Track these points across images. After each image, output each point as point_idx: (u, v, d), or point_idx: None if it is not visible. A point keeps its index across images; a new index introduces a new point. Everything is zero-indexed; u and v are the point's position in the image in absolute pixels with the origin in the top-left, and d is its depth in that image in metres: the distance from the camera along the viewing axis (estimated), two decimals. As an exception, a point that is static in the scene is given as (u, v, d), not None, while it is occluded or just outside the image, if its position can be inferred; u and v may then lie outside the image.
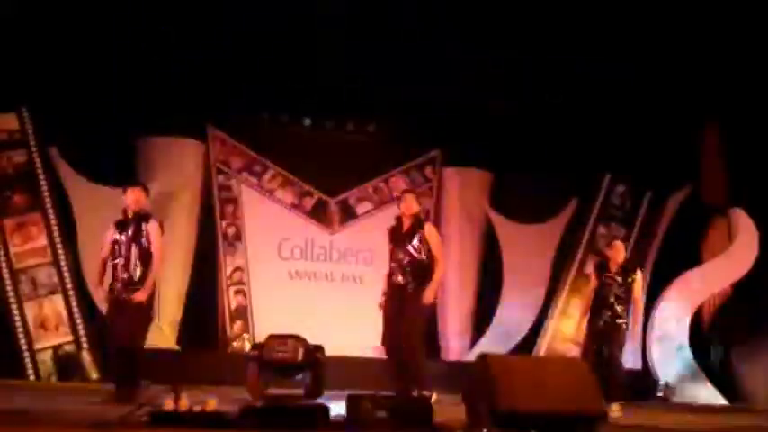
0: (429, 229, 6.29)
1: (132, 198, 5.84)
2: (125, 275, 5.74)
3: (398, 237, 6.24)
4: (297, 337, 5.49)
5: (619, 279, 6.62)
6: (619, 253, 6.74)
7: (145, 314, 5.83)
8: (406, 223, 6.24)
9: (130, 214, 5.82)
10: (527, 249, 9.59)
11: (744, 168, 9.18)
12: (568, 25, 8.49)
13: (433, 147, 9.74)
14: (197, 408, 4.50)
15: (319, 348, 5.31)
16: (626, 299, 6.61)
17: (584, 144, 9.30)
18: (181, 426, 4.21)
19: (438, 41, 8.64)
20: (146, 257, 5.76)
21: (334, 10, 8.25)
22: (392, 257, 6.28)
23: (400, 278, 6.18)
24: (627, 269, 6.69)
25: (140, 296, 5.69)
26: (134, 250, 5.75)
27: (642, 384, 8.77)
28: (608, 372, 6.27)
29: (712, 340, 9.41)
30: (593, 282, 6.80)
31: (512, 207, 9.72)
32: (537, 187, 9.45)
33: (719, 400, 8.76)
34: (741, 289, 9.04)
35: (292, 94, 9.17)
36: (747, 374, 8.68)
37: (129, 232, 5.77)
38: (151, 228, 5.83)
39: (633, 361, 8.71)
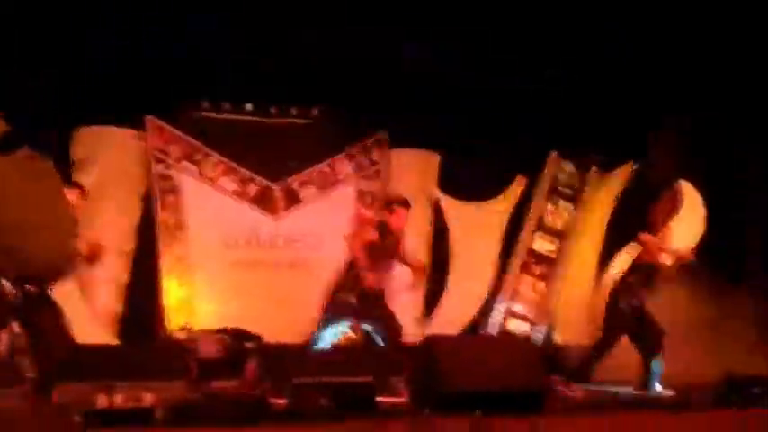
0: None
1: None
2: None
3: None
4: (240, 329, 5.38)
5: None
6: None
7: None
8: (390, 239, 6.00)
9: None
10: (476, 229, 9.56)
11: (692, 142, 9.22)
12: (514, 3, 8.43)
13: (379, 129, 9.60)
14: (132, 404, 4.35)
15: (259, 338, 5.17)
16: None
17: (531, 121, 9.25)
18: (115, 424, 4.05)
19: (380, 24, 8.50)
20: None
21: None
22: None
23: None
24: None
25: None
26: None
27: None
28: None
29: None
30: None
31: (459, 187, 9.66)
32: (484, 166, 9.40)
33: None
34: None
35: (233, 80, 8.97)
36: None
37: None
38: None
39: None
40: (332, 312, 6.12)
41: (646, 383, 6.15)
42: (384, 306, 5.92)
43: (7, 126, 1.38)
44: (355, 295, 6.23)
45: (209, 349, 4.95)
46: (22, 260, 1.21)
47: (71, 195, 5.51)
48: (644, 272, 6.34)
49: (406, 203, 6.32)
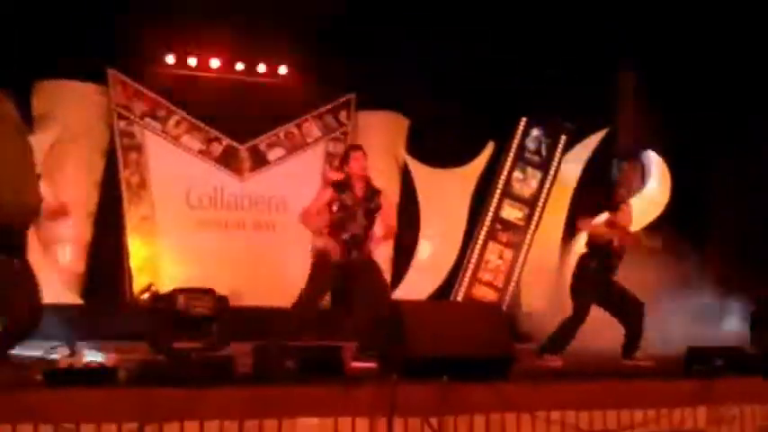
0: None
1: None
2: None
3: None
4: (206, 290, 5.28)
5: None
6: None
7: None
8: (358, 186, 5.79)
9: None
10: (444, 194, 9.53)
11: (658, 110, 9.25)
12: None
13: (348, 90, 9.49)
14: (94, 364, 4.26)
15: (224, 299, 5.10)
16: None
17: (501, 86, 9.20)
18: (76, 383, 3.97)
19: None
20: None
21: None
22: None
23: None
24: None
25: None
26: None
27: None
28: None
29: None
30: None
31: (428, 151, 9.60)
32: (453, 131, 9.34)
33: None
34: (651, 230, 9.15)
35: (199, 35, 8.77)
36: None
37: None
38: None
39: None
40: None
41: (628, 352, 6.20)
42: (370, 272, 5.75)
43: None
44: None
45: (194, 307, 4.83)
46: None
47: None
48: (601, 256, 6.35)
49: (358, 147, 6.16)
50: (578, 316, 6.23)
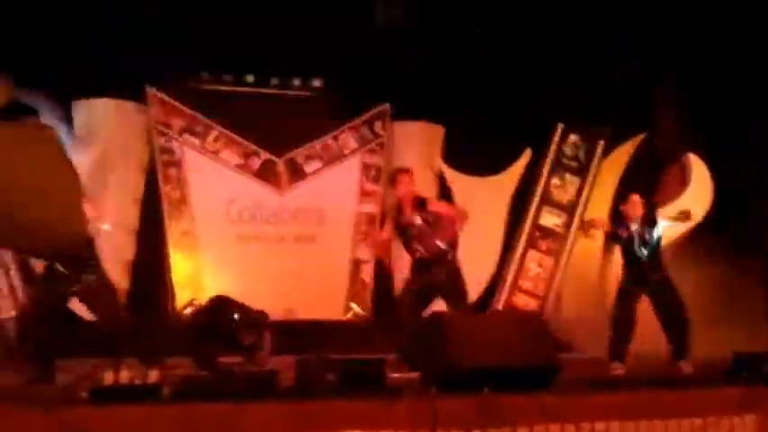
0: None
1: None
2: None
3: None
4: (247, 305, 5.32)
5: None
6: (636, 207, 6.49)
7: None
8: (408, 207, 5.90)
9: None
10: (481, 203, 9.43)
11: (698, 114, 9.11)
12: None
13: (383, 101, 9.50)
14: (138, 381, 4.32)
15: (264, 313, 5.13)
16: None
17: (537, 93, 9.14)
18: (121, 400, 4.03)
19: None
20: None
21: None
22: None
23: None
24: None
25: None
26: None
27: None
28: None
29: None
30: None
31: (464, 160, 9.56)
32: (489, 139, 9.28)
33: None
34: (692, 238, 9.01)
35: (234, 51, 8.87)
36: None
37: None
38: None
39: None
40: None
41: (676, 356, 6.12)
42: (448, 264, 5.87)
43: (13, 95, 1.32)
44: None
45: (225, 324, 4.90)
46: (28, 230, 1.16)
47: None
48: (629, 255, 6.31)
49: (404, 170, 6.24)
50: (623, 321, 6.18)
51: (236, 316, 4.82)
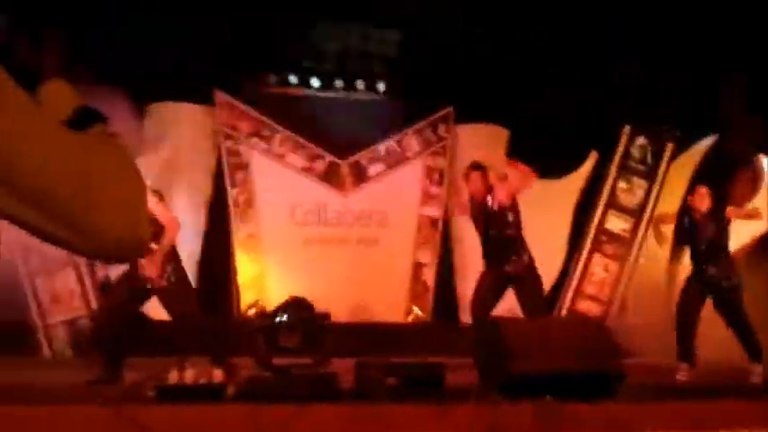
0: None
1: None
2: None
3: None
4: (310, 306, 5.36)
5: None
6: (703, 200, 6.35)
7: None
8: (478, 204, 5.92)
9: None
10: (546, 206, 9.33)
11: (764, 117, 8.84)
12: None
13: (446, 104, 9.49)
14: (203, 380, 4.40)
15: (327, 315, 5.16)
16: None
17: (604, 94, 9.00)
18: (186, 399, 4.11)
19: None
20: None
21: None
22: None
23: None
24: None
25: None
26: None
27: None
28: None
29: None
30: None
31: (529, 163, 9.43)
32: (555, 141, 9.16)
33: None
34: (764, 242, 8.76)
35: (300, 55, 8.98)
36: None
37: None
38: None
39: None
40: None
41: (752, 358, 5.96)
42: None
43: (80, 102, 1.36)
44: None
45: (282, 325, 4.93)
46: (92, 236, 1.20)
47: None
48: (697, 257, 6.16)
49: (474, 167, 6.23)
50: (687, 325, 6.05)
51: (279, 318, 4.85)
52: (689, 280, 6.28)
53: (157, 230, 5.44)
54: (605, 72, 8.89)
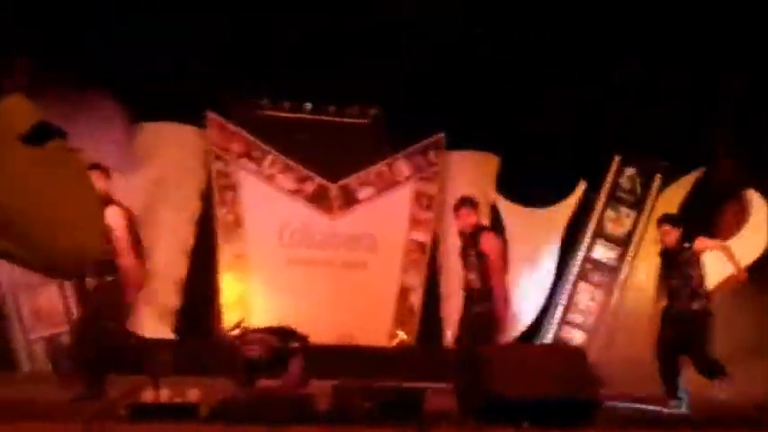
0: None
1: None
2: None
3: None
4: (272, 330, 5.34)
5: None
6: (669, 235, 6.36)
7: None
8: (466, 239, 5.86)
9: None
10: (534, 234, 9.37)
11: (757, 149, 8.88)
12: (574, 4, 8.27)
13: (437, 130, 9.52)
14: (177, 399, 4.37)
15: (304, 338, 5.14)
16: None
17: (593, 125, 9.05)
18: (160, 417, 4.08)
19: (439, 24, 8.44)
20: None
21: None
22: None
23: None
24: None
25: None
26: None
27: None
28: None
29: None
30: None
31: (518, 191, 9.48)
32: (544, 170, 9.20)
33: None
34: (752, 273, 8.74)
35: (292, 78, 9.01)
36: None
37: None
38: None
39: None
40: None
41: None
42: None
43: (38, 117, 1.35)
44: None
45: (252, 350, 4.92)
46: (40, 251, 1.19)
47: (97, 181, 5.20)
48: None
49: (463, 202, 6.12)
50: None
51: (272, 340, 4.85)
52: (663, 314, 6.32)
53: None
54: (604, 73, 8.89)
